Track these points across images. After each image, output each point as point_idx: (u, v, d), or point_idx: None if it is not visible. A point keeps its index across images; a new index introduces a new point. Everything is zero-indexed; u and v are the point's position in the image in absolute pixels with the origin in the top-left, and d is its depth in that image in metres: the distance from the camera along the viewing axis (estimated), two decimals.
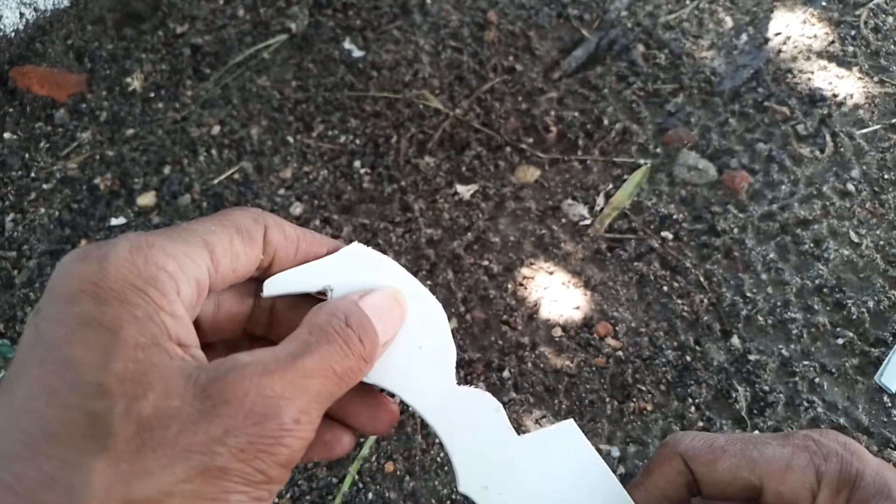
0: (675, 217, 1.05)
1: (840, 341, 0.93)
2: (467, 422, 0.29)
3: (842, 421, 0.87)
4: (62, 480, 0.19)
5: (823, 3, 1.35)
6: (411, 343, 0.29)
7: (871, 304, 0.96)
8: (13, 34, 1.27)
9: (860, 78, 1.22)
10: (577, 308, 0.96)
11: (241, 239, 0.26)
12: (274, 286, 0.28)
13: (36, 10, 1.30)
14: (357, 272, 0.29)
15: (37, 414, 0.20)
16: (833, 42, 1.28)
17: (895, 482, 0.26)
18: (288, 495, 0.82)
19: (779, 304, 0.96)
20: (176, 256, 0.24)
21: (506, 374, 0.90)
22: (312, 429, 0.23)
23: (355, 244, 0.30)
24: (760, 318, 0.95)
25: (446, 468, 0.84)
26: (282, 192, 1.11)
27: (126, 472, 0.20)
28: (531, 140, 1.16)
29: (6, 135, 1.19)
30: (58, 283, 0.22)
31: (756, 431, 0.79)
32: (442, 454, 0.85)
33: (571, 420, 0.30)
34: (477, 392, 0.29)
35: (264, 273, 0.28)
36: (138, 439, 0.20)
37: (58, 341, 0.21)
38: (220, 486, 0.21)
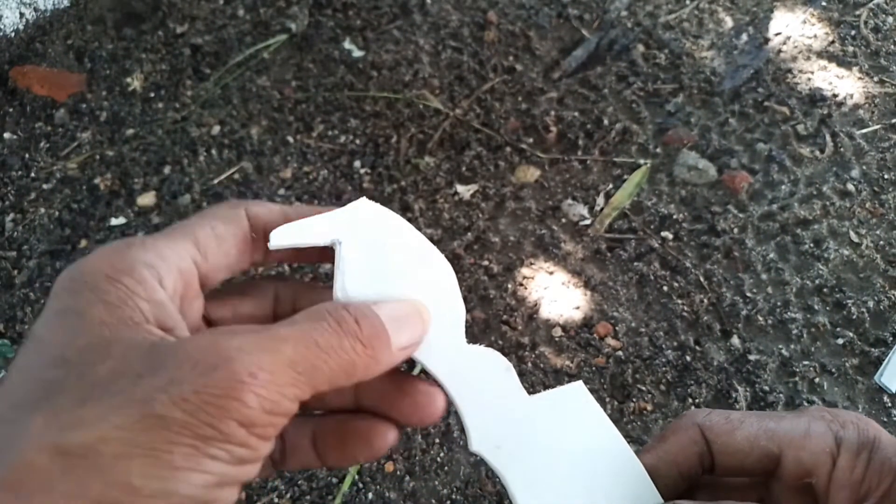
0: (675, 217, 1.05)
1: (840, 341, 0.93)
2: (478, 381, 0.29)
3: None
4: (3, 433, 0.20)
5: (823, 3, 1.35)
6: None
7: (871, 304, 0.96)
8: (13, 34, 1.27)
9: (860, 78, 1.22)
10: (577, 308, 0.96)
11: (222, 222, 0.26)
12: (281, 237, 0.28)
13: (36, 10, 1.30)
14: (366, 227, 0.29)
15: (5, 389, 0.22)
16: (833, 42, 1.28)
17: None
18: (288, 495, 0.82)
19: (779, 304, 0.96)
20: (155, 248, 0.24)
21: None
22: (278, 391, 0.21)
23: (363, 199, 0.29)
24: (760, 318, 0.95)
25: (446, 468, 0.84)
26: (282, 192, 1.11)
27: (64, 422, 0.20)
28: (531, 140, 1.16)
29: (6, 135, 1.19)
30: (51, 292, 0.24)
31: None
32: (442, 454, 0.85)
33: (580, 382, 0.30)
34: (487, 351, 0.29)
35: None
36: (84, 394, 0.20)
37: (36, 331, 0.23)
38: (161, 434, 0.20)
